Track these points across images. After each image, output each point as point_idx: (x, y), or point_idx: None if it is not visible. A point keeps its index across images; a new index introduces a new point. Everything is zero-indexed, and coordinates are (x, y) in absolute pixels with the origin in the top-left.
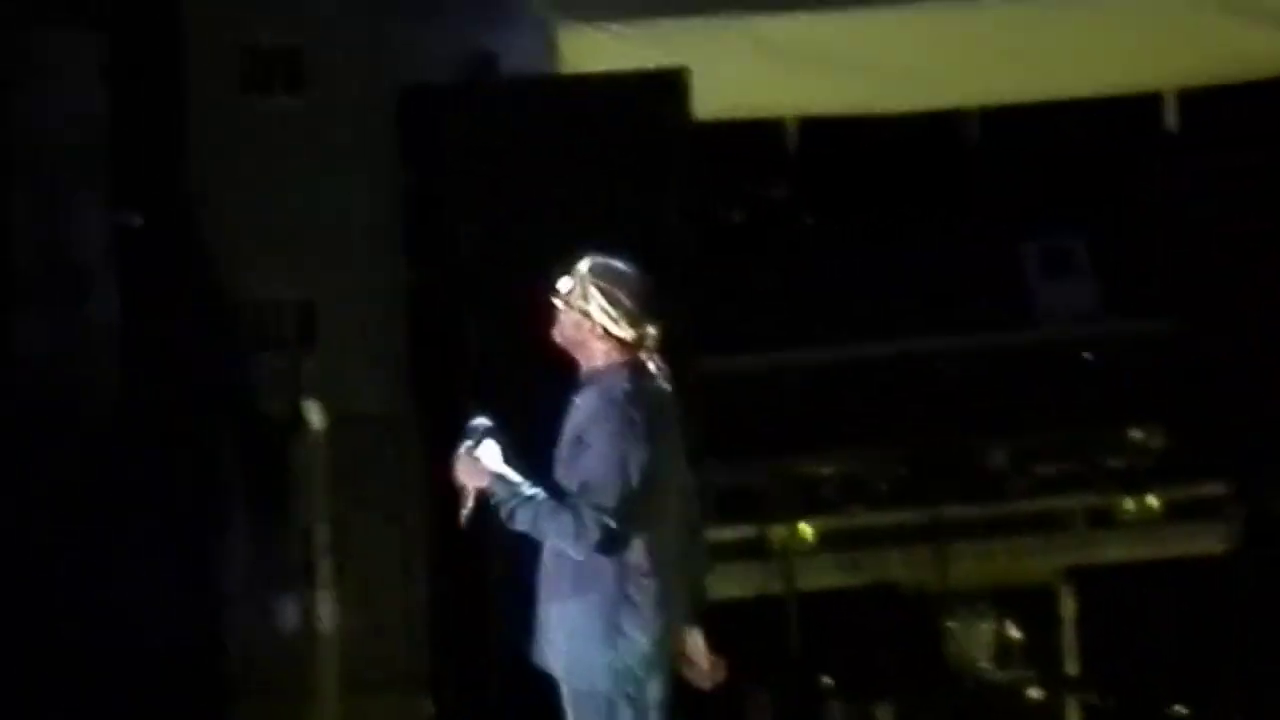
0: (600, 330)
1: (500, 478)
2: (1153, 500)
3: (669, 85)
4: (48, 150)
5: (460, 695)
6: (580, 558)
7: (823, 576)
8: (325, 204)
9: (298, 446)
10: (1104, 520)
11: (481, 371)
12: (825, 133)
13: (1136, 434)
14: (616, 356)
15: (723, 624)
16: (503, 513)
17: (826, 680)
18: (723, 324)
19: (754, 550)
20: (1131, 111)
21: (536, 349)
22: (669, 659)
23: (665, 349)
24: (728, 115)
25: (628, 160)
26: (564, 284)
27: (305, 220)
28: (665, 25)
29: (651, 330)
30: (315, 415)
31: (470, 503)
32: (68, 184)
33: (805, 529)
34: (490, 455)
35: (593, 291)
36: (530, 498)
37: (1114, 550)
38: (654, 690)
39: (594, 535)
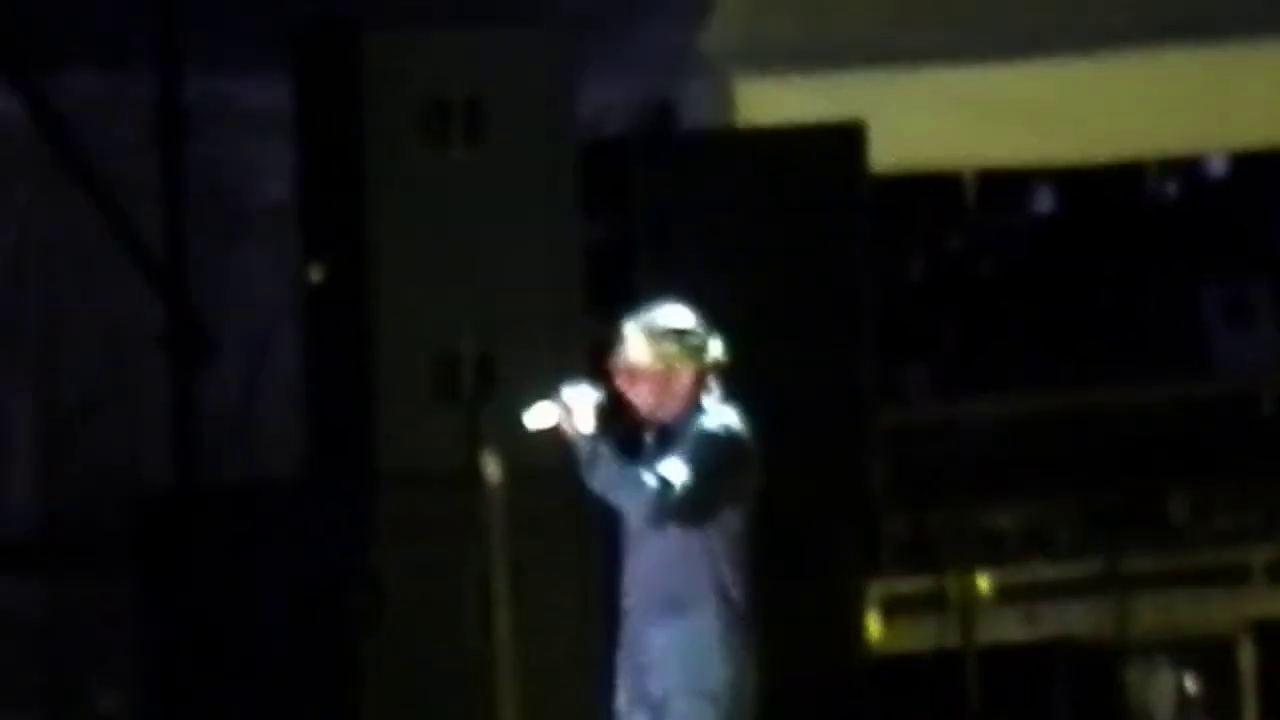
0: (688, 374)
1: (591, 438)
2: None
3: (847, 138)
4: (228, 200)
5: None
6: (638, 523)
7: (1001, 629)
8: (505, 256)
9: (475, 498)
10: None
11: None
12: (1003, 184)
13: None
14: (698, 392)
15: (900, 677)
16: (583, 467)
17: None
18: (902, 375)
19: (932, 602)
20: None
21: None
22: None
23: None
24: (905, 168)
25: (807, 213)
26: (629, 355)
27: (485, 272)
28: (842, 77)
29: (718, 344)
30: (493, 467)
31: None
32: (251, 234)
33: (983, 581)
34: (589, 418)
35: (664, 343)
36: (615, 456)
37: None
38: None
39: (667, 499)
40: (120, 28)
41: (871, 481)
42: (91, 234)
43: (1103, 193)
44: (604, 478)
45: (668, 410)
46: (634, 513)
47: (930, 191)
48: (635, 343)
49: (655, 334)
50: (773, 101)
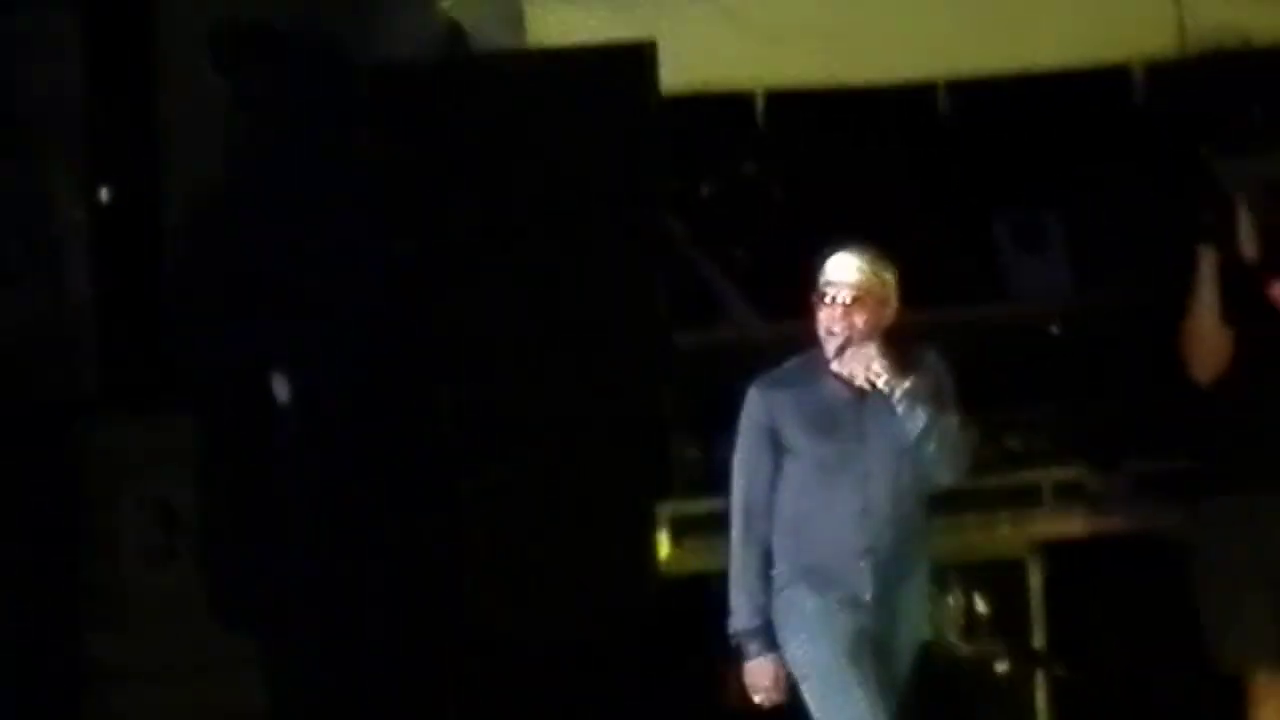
0: (889, 317)
1: (908, 391)
2: None
3: (636, 59)
4: (22, 125)
5: None
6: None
7: None
8: (297, 178)
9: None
10: None
11: (454, 350)
12: (794, 106)
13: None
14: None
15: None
16: (910, 403)
17: None
18: (689, 300)
19: (722, 524)
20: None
21: (507, 325)
22: None
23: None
24: (695, 89)
25: (598, 135)
26: (853, 276)
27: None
28: None
29: None
30: (280, 388)
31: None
32: (41, 158)
33: None
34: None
35: (887, 279)
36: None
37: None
38: None
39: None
40: None
41: (664, 405)
42: None
43: (894, 115)
44: (942, 432)
45: (867, 342)
46: (960, 466)
47: (720, 114)
48: (859, 274)
49: (868, 265)
50: (562, 23)
